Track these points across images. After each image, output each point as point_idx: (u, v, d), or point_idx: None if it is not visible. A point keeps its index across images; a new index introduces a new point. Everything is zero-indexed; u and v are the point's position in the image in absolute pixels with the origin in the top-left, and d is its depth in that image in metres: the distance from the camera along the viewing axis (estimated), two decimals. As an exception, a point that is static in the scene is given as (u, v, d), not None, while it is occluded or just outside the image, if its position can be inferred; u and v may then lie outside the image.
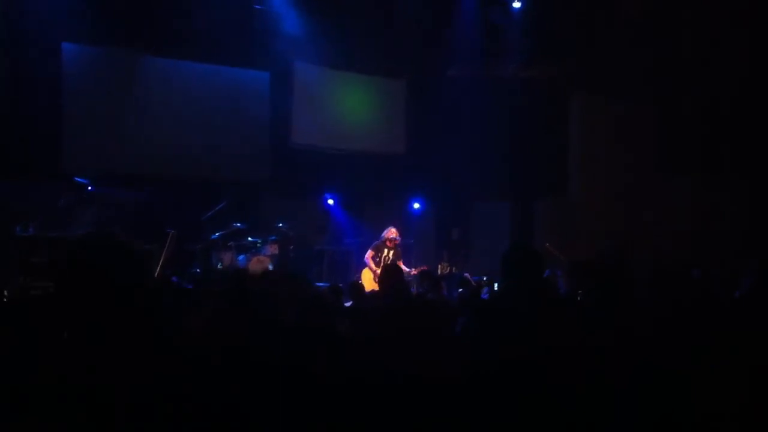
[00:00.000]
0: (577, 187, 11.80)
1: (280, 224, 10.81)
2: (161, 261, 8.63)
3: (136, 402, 2.03)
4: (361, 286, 6.77)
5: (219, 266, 9.95)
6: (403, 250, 10.27)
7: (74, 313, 2.13)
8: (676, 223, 10.00)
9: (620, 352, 2.94)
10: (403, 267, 9.46)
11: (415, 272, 9.17)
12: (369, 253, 9.63)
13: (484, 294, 7.20)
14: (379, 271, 9.48)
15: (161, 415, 2.08)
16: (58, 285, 2.26)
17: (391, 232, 9.65)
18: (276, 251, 10.47)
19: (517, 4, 11.63)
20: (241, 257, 10.23)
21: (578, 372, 2.75)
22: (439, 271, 10.82)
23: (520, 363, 2.74)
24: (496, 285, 8.96)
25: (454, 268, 10.83)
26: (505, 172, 12.27)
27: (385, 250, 9.63)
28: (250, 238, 10.52)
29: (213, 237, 10.13)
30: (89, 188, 9.34)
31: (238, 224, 10.39)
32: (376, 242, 9.72)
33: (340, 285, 6.91)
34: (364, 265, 9.66)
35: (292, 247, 10.93)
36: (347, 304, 5.98)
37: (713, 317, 3.42)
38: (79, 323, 2.11)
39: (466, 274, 9.85)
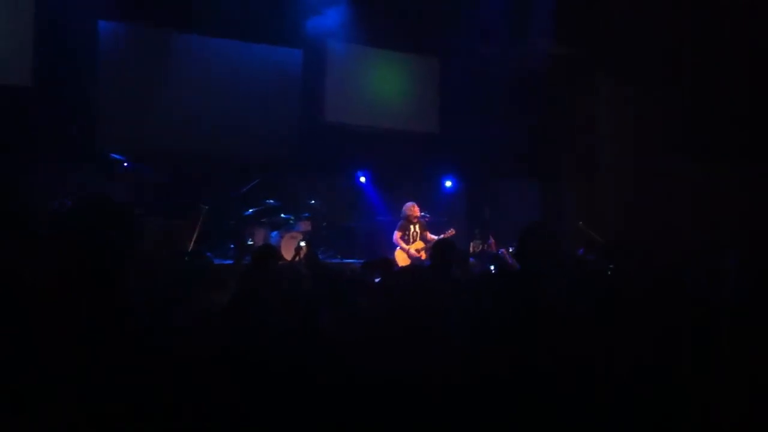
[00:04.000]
0: (606, 166, 11.67)
1: (313, 201, 10.87)
2: (194, 236, 8.76)
3: (126, 399, 2.02)
4: (391, 262, 6.78)
5: (250, 242, 10.05)
6: (436, 227, 10.27)
7: (64, 294, 2.10)
8: (706, 209, 9.83)
9: (621, 352, 2.91)
10: (432, 237, 9.54)
11: (447, 236, 9.24)
12: (396, 234, 9.63)
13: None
14: (411, 246, 9.52)
15: (153, 413, 2.07)
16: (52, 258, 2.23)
17: (412, 209, 9.65)
18: (309, 228, 10.55)
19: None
20: (274, 234, 10.33)
21: (577, 372, 2.72)
22: (471, 249, 10.80)
23: (519, 364, 2.72)
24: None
25: (486, 246, 10.80)
26: (535, 150, 12.20)
27: (411, 227, 9.64)
28: (282, 215, 10.61)
29: (246, 213, 10.24)
30: (125, 164, 9.48)
31: (271, 201, 10.49)
32: (400, 222, 9.72)
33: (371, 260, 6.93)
34: (395, 246, 9.67)
35: (324, 223, 11.00)
36: (377, 280, 6.01)
37: (711, 320, 3.36)
38: (71, 308, 2.09)
39: (502, 251, 9.82)
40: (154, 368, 2.12)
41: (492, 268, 8.39)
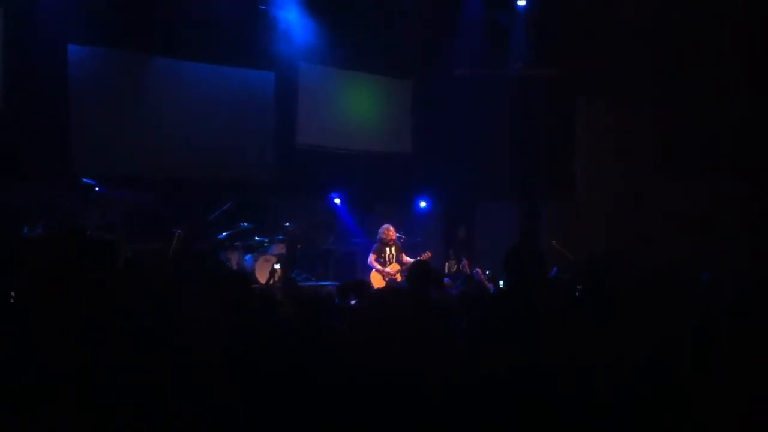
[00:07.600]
0: (583, 187, 11.77)
1: (287, 224, 10.83)
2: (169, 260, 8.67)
3: (131, 400, 2.01)
4: (367, 284, 6.75)
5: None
6: (411, 248, 10.28)
7: (63, 311, 2.10)
8: (682, 225, 9.95)
9: (620, 358, 2.92)
10: (407, 259, 9.53)
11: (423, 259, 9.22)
12: (372, 257, 9.63)
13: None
14: (387, 269, 9.51)
15: (158, 414, 2.06)
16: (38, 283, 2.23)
17: (387, 231, 9.66)
18: (283, 251, 10.49)
19: (522, 2, 11.63)
20: (248, 257, 10.26)
21: (577, 378, 2.73)
22: (446, 269, 10.81)
23: (520, 367, 2.72)
24: (501, 283, 8.96)
25: (461, 266, 10.81)
26: (511, 171, 12.27)
27: (386, 249, 9.64)
28: (257, 238, 10.54)
29: (220, 237, 10.16)
30: (96, 189, 9.38)
31: (245, 224, 10.43)
32: (375, 244, 9.72)
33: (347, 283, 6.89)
34: (370, 268, 9.65)
35: (299, 246, 10.94)
36: (353, 302, 5.98)
37: (711, 320, 3.39)
38: (68, 321, 2.09)
39: (477, 270, 9.83)
40: (154, 368, 2.12)
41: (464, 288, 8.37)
